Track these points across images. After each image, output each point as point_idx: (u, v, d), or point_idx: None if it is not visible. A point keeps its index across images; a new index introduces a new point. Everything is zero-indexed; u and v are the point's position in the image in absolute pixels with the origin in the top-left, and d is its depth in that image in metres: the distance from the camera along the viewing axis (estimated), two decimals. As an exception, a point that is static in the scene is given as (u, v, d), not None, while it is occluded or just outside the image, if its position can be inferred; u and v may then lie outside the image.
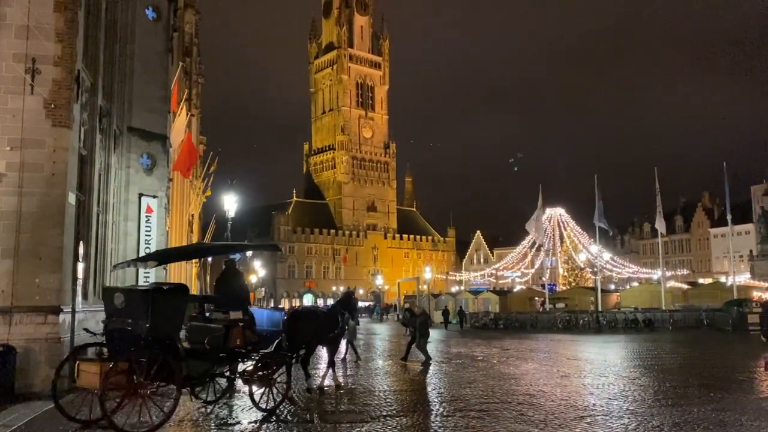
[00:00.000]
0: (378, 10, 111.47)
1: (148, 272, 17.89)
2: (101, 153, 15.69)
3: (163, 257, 11.90)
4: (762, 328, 10.32)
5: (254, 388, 9.88)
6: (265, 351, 10.19)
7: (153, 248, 18.01)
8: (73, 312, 11.88)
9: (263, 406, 9.66)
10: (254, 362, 9.86)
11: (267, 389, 9.80)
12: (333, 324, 12.15)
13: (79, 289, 12.23)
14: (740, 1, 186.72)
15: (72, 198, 12.46)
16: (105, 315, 9.47)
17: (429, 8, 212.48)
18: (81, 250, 12.29)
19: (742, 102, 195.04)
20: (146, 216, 17.96)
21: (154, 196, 18.23)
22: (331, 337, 12.14)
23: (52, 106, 12.06)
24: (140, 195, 17.88)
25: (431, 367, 16.17)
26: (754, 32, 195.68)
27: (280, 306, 72.51)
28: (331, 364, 12.67)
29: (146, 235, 17.93)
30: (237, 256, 39.66)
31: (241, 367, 10.19)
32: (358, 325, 14.59)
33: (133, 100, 17.90)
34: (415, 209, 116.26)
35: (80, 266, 12.21)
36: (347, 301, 13.07)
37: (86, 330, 9.98)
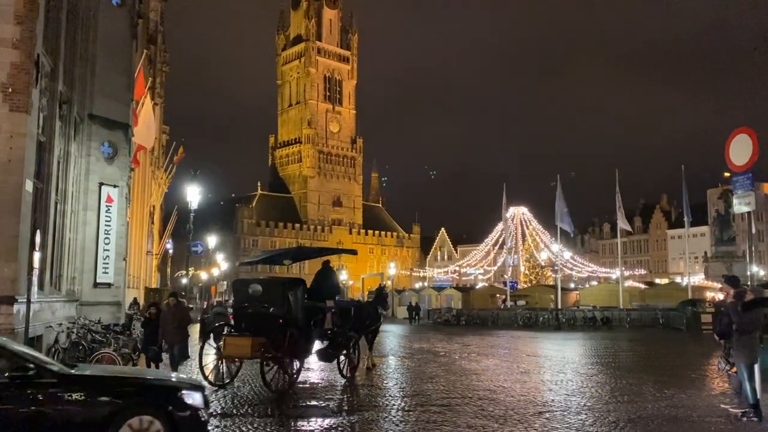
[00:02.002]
0: (347, 4, 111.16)
1: (108, 263, 17.60)
2: (61, 140, 15.30)
3: (295, 255, 16.28)
4: (715, 328, 10.59)
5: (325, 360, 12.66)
6: (344, 332, 12.66)
7: (113, 239, 17.69)
8: (29, 302, 11.56)
9: (345, 374, 12.62)
10: (336, 341, 12.43)
11: (346, 361, 12.66)
12: (376, 316, 14.73)
13: (35, 279, 11.90)
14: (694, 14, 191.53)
15: (29, 185, 12.13)
16: (235, 301, 12.65)
17: (398, 5, 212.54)
18: (38, 239, 11.96)
19: (700, 109, 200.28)
20: (106, 206, 17.62)
21: (115, 186, 17.88)
22: (374, 329, 14.72)
23: (10, 90, 11.70)
24: (100, 184, 17.52)
25: (394, 362, 16.23)
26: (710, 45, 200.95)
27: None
28: (371, 348, 15.09)
29: (106, 225, 17.59)
30: (199, 249, 39.03)
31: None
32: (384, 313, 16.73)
33: (95, 87, 17.52)
34: (380, 205, 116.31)
35: (36, 256, 11.88)
36: (380, 295, 15.67)
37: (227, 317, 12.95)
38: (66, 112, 15.83)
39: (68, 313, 15.21)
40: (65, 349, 12.87)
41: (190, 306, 15.58)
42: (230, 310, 15.02)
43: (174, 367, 11.80)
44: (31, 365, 5.87)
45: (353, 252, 19.60)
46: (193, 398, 6.45)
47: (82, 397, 5.91)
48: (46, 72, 13.62)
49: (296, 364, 11.45)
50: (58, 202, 15.44)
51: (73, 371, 6.34)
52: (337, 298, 13.42)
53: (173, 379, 7.71)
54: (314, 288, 12.60)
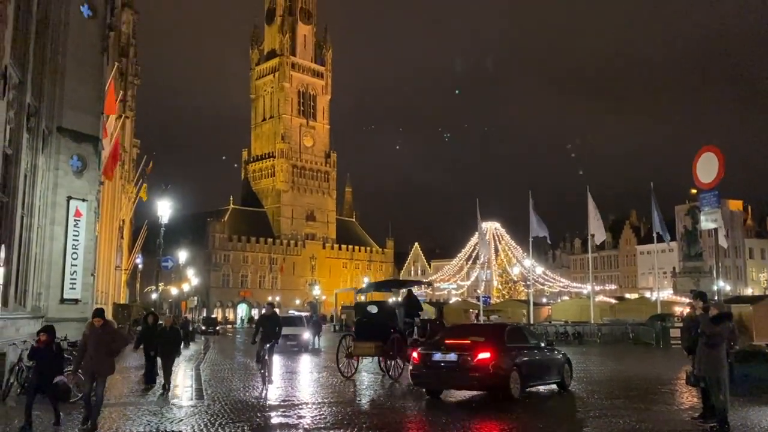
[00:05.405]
0: (321, 20, 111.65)
1: (75, 279, 17.24)
2: (28, 153, 15.03)
3: (400, 285, 23.22)
4: (683, 342, 10.76)
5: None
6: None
7: (81, 253, 17.36)
8: (-8, 319, 11.26)
9: (392, 375, 15.56)
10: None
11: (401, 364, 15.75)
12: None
13: (-2, 295, 11.61)
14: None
15: (-6, 199, 11.85)
16: (357, 317, 17.38)
17: (372, 22, 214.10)
18: (2, 254, 11.68)
19: (667, 129, 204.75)
20: (75, 220, 17.31)
21: (84, 200, 17.59)
22: None
23: (-24, 102, 11.46)
24: (69, 198, 17.22)
25: (368, 379, 16.07)
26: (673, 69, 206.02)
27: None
28: None
29: (74, 240, 17.27)
30: (170, 264, 38.36)
31: None
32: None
33: (64, 100, 17.27)
34: (354, 220, 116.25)
35: (1, 271, 11.60)
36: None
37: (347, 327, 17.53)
38: (34, 124, 15.56)
39: (33, 329, 14.80)
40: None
41: (160, 323, 14.87)
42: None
43: (95, 411, 9.20)
44: (543, 341, 14.35)
45: (429, 283, 22.78)
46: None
47: (555, 353, 13.70)
48: (14, 84, 13.38)
49: (399, 360, 15.58)
50: (25, 216, 15.12)
51: (547, 348, 13.81)
52: (420, 315, 17.50)
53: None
54: (406, 308, 16.76)
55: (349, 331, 17.35)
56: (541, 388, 13.30)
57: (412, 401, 12.53)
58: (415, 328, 16.58)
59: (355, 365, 16.24)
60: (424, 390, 12.77)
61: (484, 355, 11.35)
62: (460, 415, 10.67)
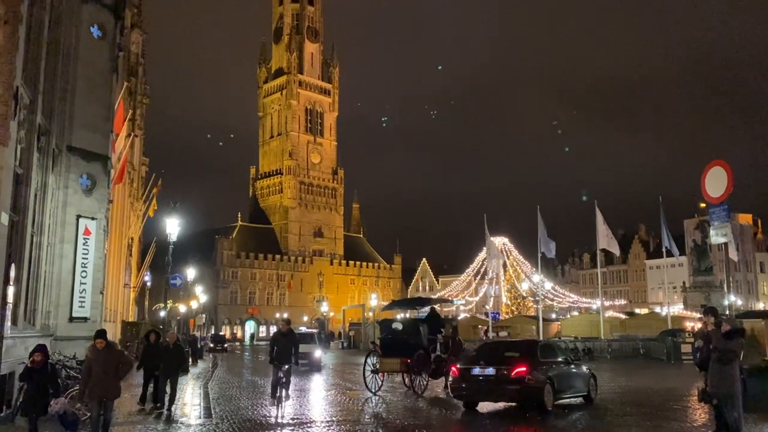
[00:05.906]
0: (329, 38, 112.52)
1: (84, 297, 17.27)
2: (38, 172, 15.13)
3: (423, 302, 23.57)
4: (695, 358, 10.67)
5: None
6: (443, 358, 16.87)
7: (90, 272, 17.40)
8: (1, 338, 11.28)
9: (417, 390, 15.94)
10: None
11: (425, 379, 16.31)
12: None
13: (8, 313, 11.63)
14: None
15: (5, 218, 11.92)
16: (383, 334, 17.94)
17: (378, 39, 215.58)
18: (12, 273, 11.72)
19: (675, 143, 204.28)
20: (84, 238, 17.37)
21: (93, 218, 17.66)
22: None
23: (-13, 122, 11.56)
24: (78, 216, 17.30)
25: (375, 396, 15.95)
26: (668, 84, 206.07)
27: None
28: None
29: (83, 258, 17.32)
30: (178, 282, 38.59)
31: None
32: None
33: (75, 119, 17.40)
34: (361, 236, 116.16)
35: (10, 290, 11.64)
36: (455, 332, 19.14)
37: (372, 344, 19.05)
38: (44, 143, 15.68)
39: (42, 348, 14.81)
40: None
41: (165, 340, 14.57)
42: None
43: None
44: (570, 356, 14.86)
45: (451, 301, 24.37)
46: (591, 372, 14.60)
47: (581, 368, 14.48)
48: (25, 104, 13.52)
49: (424, 375, 16.11)
50: (35, 234, 15.20)
51: (573, 363, 14.41)
52: (442, 332, 17.67)
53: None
54: (429, 325, 17.22)
55: (374, 348, 17.99)
56: (568, 401, 13.70)
57: (436, 416, 12.48)
58: (438, 345, 17.04)
59: (380, 381, 16.67)
60: (461, 403, 13.45)
61: (520, 369, 12.19)
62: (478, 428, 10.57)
